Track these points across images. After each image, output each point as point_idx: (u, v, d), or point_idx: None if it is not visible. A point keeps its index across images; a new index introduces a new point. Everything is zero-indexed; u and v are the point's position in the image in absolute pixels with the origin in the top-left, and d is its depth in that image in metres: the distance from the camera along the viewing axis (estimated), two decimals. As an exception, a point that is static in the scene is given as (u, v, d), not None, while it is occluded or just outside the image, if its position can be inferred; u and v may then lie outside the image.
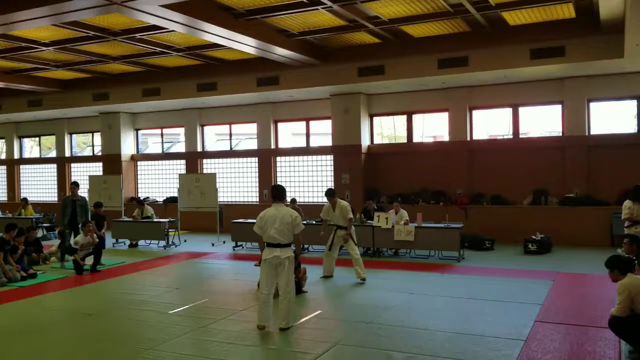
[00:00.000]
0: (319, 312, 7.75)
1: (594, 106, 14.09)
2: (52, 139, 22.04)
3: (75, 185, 12.88)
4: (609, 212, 12.89)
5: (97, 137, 20.70)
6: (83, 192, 17.13)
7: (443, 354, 5.86)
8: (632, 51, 10.79)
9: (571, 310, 7.55)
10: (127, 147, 19.91)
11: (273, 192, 7.17)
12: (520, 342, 6.14)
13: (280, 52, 12.77)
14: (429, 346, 6.10)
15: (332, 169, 16.54)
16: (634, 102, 13.78)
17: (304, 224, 12.75)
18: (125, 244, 15.08)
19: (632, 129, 13.96)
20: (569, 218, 13.51)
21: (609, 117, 14.19)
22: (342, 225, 9.91)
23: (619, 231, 10.77)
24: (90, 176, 17.46)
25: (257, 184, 17.96)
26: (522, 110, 14.87)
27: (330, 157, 16.77)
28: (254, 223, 7.13)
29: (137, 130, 20.26)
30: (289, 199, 15.29)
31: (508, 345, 6.05)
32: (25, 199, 18.00)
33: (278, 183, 16.58)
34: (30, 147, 23.54)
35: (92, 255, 11.25)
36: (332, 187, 10.25)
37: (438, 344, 6.20)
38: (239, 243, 13.88)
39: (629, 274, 5.73)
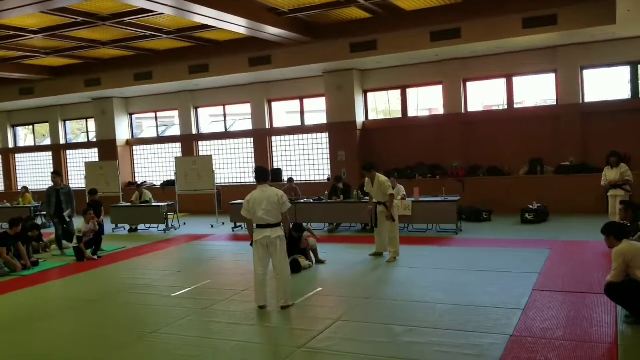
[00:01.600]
0: (319, 289, 7.85)
1: (588, 73, 14.06)
2: (46, 126, 21.95)
3: (56, 174, 12.49)
4: (605, 179, 12.94)
5: (92, 123, 20.65)
6: (80, 179, 17.18)
7: (443, 325, 5.96)
8: (623, 17, 10.74)
9: (568, 278, 7.65)
10: (122, 132, 19.85)
11: (257, 174, 7.18)
12: (518, 312, 6.23)
13: (271, 31, 12.68)
14: (428, 319, 6.19)
15: (328, 147, 16.54)
16: (627, 68, 13.76)
17: (300, 202, 13.07)
18: (125, 229, 15.14)
19: (625, 95, 13.96)
20: (565, 186, 13.58)
21: (603, 84, 14.18)
22: (381, 202, 9.44)
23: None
24: (86, 162, 17.42)
25: (254, 164, 17.96)
26: (516, 80, 14.84)
27: (325, 135, 16.76)
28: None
29: (130, 114, 20.18)
30: (285, 178, 15.36)
31: (506, 315, 6.14)
32: (25, 188, 18.01)
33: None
34: (25, 136, 23.45)
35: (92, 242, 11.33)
36: (371, 162, 9.82)
37: (437, 316, 6.29)
38: (237, 224, 13.94)
39: (624, 240, 5.81)
